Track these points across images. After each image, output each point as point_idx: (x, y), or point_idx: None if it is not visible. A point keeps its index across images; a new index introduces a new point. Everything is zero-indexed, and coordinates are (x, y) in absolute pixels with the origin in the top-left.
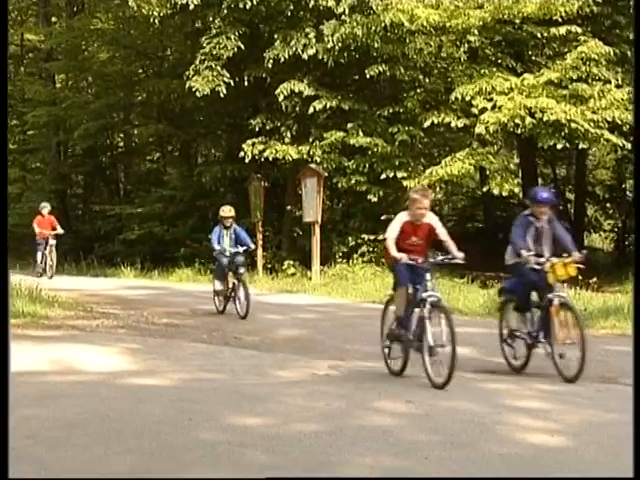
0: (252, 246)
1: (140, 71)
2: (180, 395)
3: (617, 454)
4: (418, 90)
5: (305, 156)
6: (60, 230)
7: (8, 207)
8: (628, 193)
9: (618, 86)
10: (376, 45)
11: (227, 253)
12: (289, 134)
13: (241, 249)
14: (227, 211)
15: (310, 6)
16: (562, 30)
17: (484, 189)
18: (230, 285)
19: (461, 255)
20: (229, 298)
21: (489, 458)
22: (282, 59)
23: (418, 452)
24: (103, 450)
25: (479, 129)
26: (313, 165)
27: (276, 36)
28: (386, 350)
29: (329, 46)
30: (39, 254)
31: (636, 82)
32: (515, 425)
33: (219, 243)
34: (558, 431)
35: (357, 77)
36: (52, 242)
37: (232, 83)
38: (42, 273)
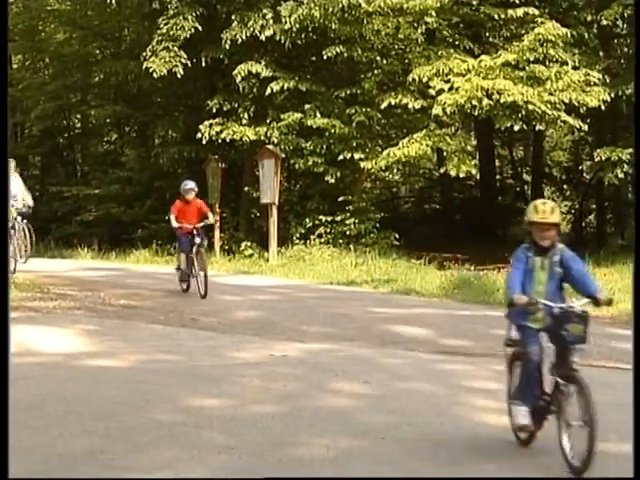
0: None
1: (97, 52)
2: (137, 377)
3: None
4: (375, 71)
5: (262, 137)
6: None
7: None
8: (585, 174)
9: (575, 68)
10: (333, 26)
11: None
12: (246, 115)
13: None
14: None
15: None
16: (519, 12)
17: (441, 170)
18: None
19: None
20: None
21: (445, 438)
22: (239, 40)
23: (375, 433)
24: (60, 431)
25: (436, 110)
26: (270, 146)
27: (233, 17)
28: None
29: (286, 27)
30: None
31: (636, 81)
32: (471, 405)
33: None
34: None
35: (314, 58)
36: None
37: (189, 64)
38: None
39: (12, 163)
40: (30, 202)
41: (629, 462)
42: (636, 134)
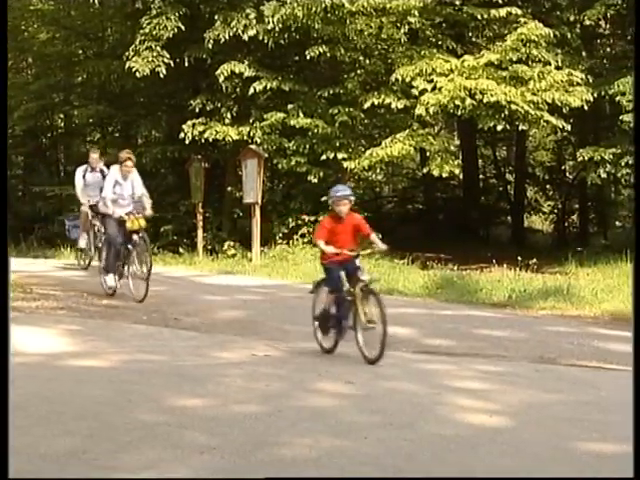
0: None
1: (80, 52)
2: (119, 376)
3: (555, 434)
4: (358, 71)
5: (245, 137)
6: None
7: None
8: (567, 174)
9: (558, 68)
10: (316, 26)
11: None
12: (229, 115)
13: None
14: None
15: None
16: (502, 12)
17: (424, 170)
18: None
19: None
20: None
21: (428, 438)
22: (222, 40)
23: (357, 433)
24: (43, 431)
25: (419, 110)
26: (253, 146)
27: (216, 17)
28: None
29: (269, 27)
30: None
31: (636, 80)
32: (454, 405)
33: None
34: (497, 411)
35: (297, 58)
36: None
37: (172, 64)
38: None
39: (94, 154)
40: (148, 206)
41: (611, 461)
42: (636, 133)
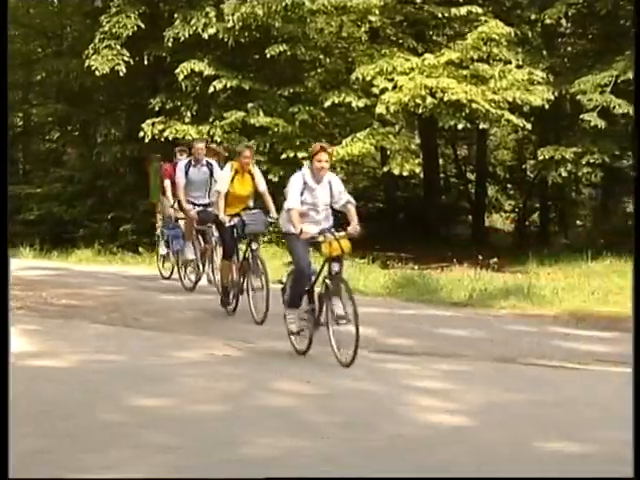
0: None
1: (39, 50)
2: (79, 377)
3: (516, 433)
4: (319, 70)
5: (205, 136)
6: None
7: None
8: (529, 174)
9: (519, 66)
10: (277, 25)
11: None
12: (189, 114)
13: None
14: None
15: None
16: (463, 10)
17: (385, 169)
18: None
19: None
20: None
21: (389, 438)
22: (182, 38)
23: (318, 432)
24: None
25: (380, 109)
26: (213, 145)
27: (176, 15)
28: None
29: (229, 25)
30: None
31: (636, 78)
32: (415, 405)
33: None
34: (457, 411)
35: (258, 57)
36: None
37: (132, 62)
38: None
39: (199, 143)
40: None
41: (571, 461)
42: (636, 134)
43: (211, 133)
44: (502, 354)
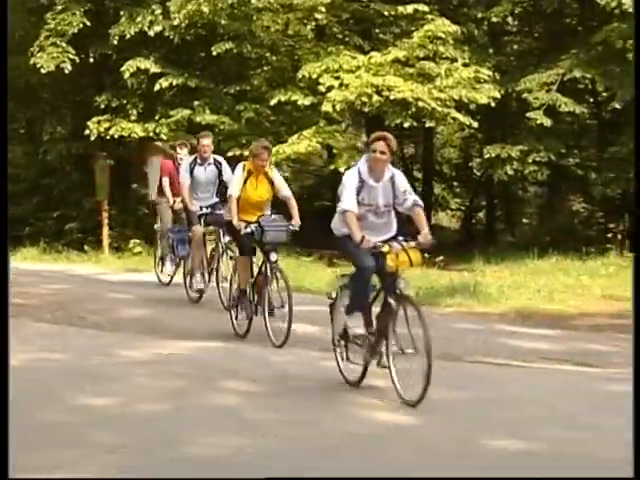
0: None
1: None
2: (24, 376)
3: (461, 431)
4: (265, 68)
5: (151, 134)
6: None
7: None
8: (475, 172)
9: (465, 65)
10: (223, 22)
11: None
12: (135, 112)
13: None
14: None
15: None
16: (409, 8)
17: (331, 167)
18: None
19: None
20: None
21: (335, 436)
22: (128, 36)
23: (264, 430)
24: None
25: (326, 107)
26: (159, 143)
27: (122, 13)
28: None
29: (175, 23)
30: None
31: (636, 77)
32: (361, 403)
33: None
34: (403, 409)
35: (204, 54)
36: None
37: (77, 60)
38: None
39: (206, 139)
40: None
41: (517, 459)
42: (636, 133)
43: (157, 131)
44: (448, 352)
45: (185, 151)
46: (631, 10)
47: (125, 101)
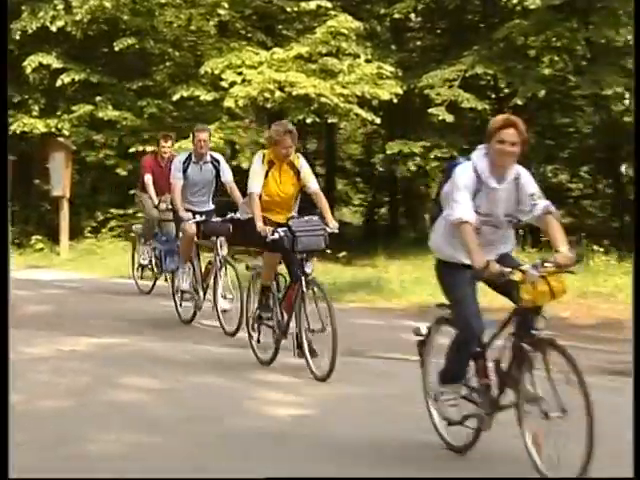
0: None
1: None
2: None
3: (360, 426)
4: (167, 63)
5: (53, 129)
6: None
7: None
8: (378, 167)
9: (367, 61)
10: (125, 17)
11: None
12: (37, 107)
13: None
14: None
15: None
16: (312, 5)
17: (234, 163)
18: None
19: None
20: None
21: (236, 432)
22: (30, 31)
23: (164, 427)
24: None
25: (228, 103)
26: (61, 139)
27: (23, 7)
28: None
29: (78, 18)
30: None
31: (636, 76)
32: (263, 399)
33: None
34: (304, 404)
35: (106, 50)
36: None
37: None
38: None
39: (203, 133)
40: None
41: (415, 453)
42: (636, 134)
43: (59, 127)
44: (349, 347)
45: (170, 144)
46: (533, 7)
47: (27, 96)
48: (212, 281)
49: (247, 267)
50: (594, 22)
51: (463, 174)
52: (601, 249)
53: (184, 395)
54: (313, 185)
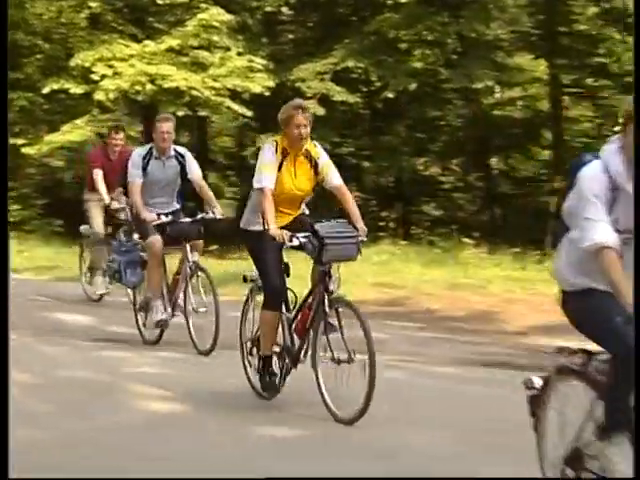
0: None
1: None
2: None
3: (230, 418)
4: (38, 56)
5: None
6: None
7: None
8: (249, 160)
9: (239, 54)
10: None
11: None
12: None
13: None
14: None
15: None
16: None
17: None
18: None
19: None
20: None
21: (105, 426)
22: None
23: (36, 423)
24: None
25: (99, 96)
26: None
27: None
28: None
29: None
30: None
31: (636, 76)
32: (131, 392)
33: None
34: (172, 397)
35: None
36: None
37: None
38: None
39: (166, 123)
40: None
41: (285, 445)
42: (636, 134)
43: None
44: (221, 340)
45: (121, 136)
46: (404, 0)
47: None
48: (182, 293)
49: (245, 279)
50: (465, 16)
51: (591, 180)
52: (471, 242)
53: (53, 390)
54: (336, 179)
